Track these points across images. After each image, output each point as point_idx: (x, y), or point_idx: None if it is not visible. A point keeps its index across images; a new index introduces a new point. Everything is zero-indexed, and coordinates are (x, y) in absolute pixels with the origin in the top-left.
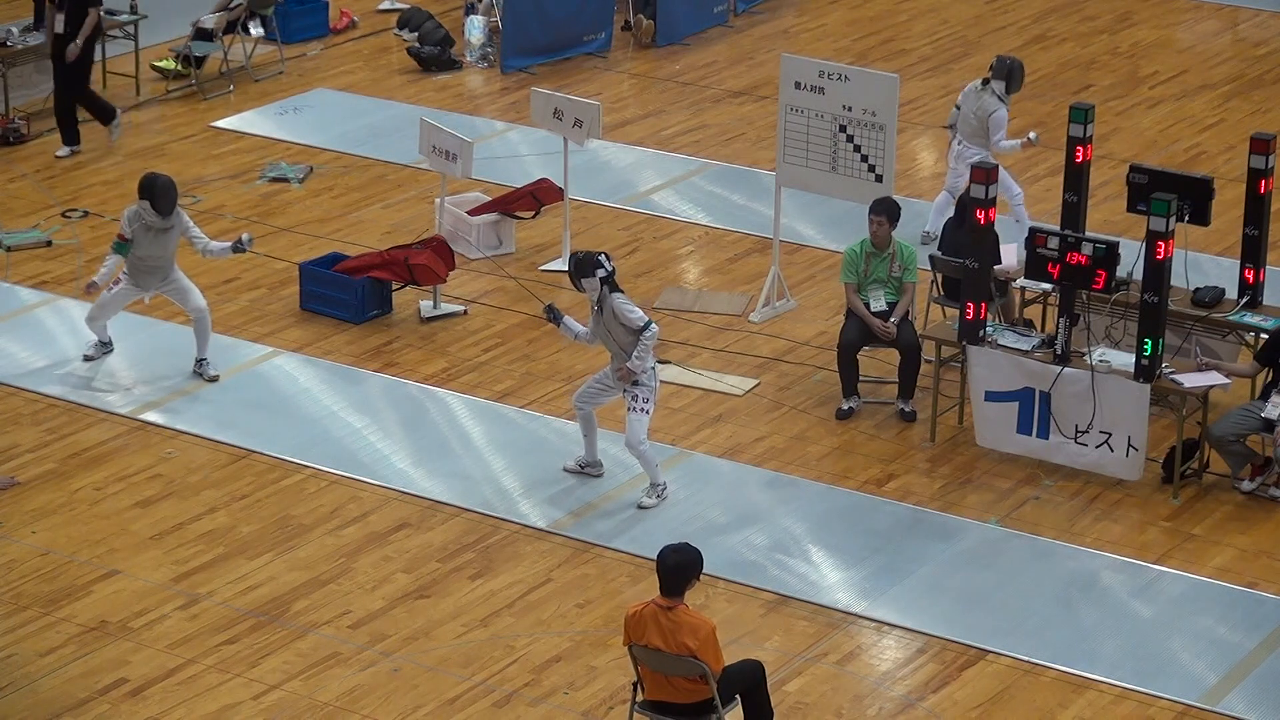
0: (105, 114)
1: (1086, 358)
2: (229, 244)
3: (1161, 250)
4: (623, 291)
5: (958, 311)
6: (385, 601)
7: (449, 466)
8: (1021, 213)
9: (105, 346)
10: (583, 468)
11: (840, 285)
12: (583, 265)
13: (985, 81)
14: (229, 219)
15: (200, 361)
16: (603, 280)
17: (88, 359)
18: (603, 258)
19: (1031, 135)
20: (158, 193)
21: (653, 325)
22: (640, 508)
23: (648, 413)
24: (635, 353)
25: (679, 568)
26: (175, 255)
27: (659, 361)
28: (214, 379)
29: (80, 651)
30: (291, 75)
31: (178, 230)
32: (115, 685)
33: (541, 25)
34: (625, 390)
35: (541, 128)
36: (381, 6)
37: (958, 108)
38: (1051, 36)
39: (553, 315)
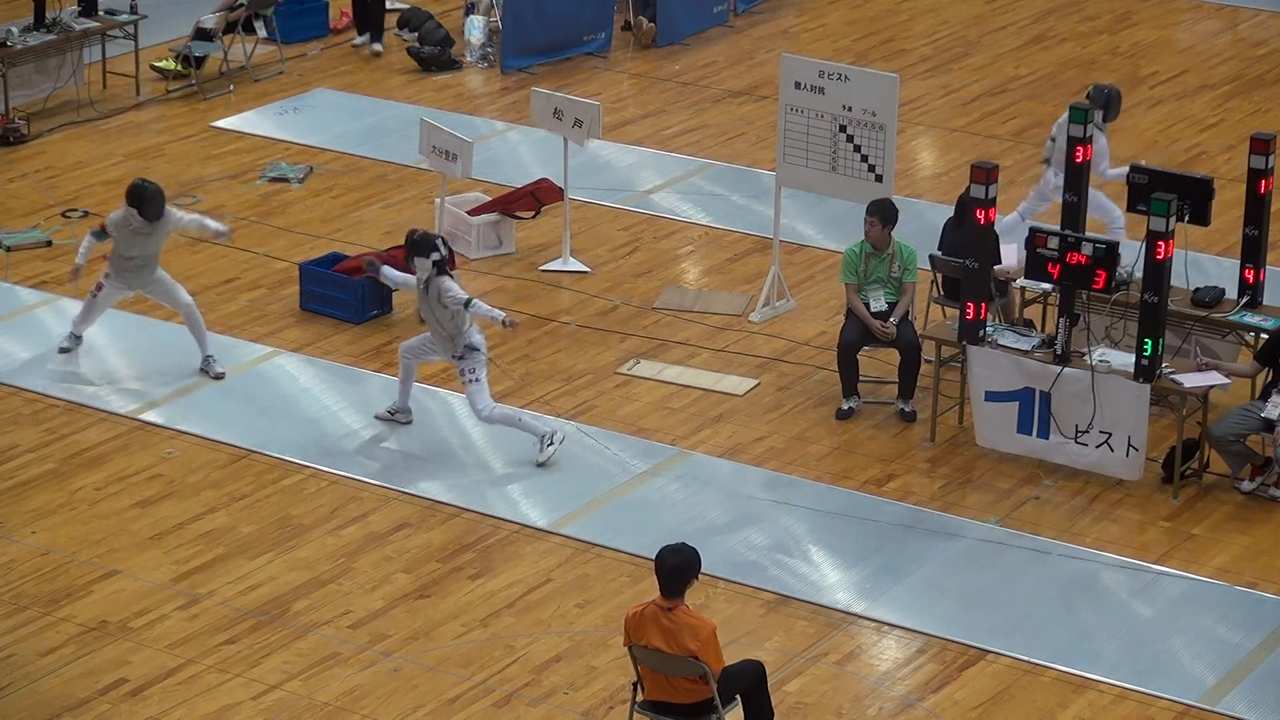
0: None
1: (1086, 358)
2: (220, 226)
3: (1161, 250)
4: (452, 276)
5: (958, 311)
6: (385, 601)
7: (449, 466)
8: (1121, 237)
9: (78, 340)
10: (392, 414)
11: (840, 285)
12: (419, 245)
13: None
14: (229, 219)
15: (207, 359)
16: (434, 264)
17: (63, 351)
18: (439, 242)
19: (1142, 164)
20: (145, 200)
21: (474, 301)
22: (539, 465)
23: (480, 380)
24: (465, 328)
25: (678, 569)
26: (159, 255)
27: (508, 322)
28: (220, 376)
29: (80, 651)
30: (291, 75)
31: (164, 231)
32: (115, 685)
33: (541, 25)
34: (457, 364)
35: (541, 128)
36: None
37: (1053, 139)
38: (1051, 36)
39: (372, 268)
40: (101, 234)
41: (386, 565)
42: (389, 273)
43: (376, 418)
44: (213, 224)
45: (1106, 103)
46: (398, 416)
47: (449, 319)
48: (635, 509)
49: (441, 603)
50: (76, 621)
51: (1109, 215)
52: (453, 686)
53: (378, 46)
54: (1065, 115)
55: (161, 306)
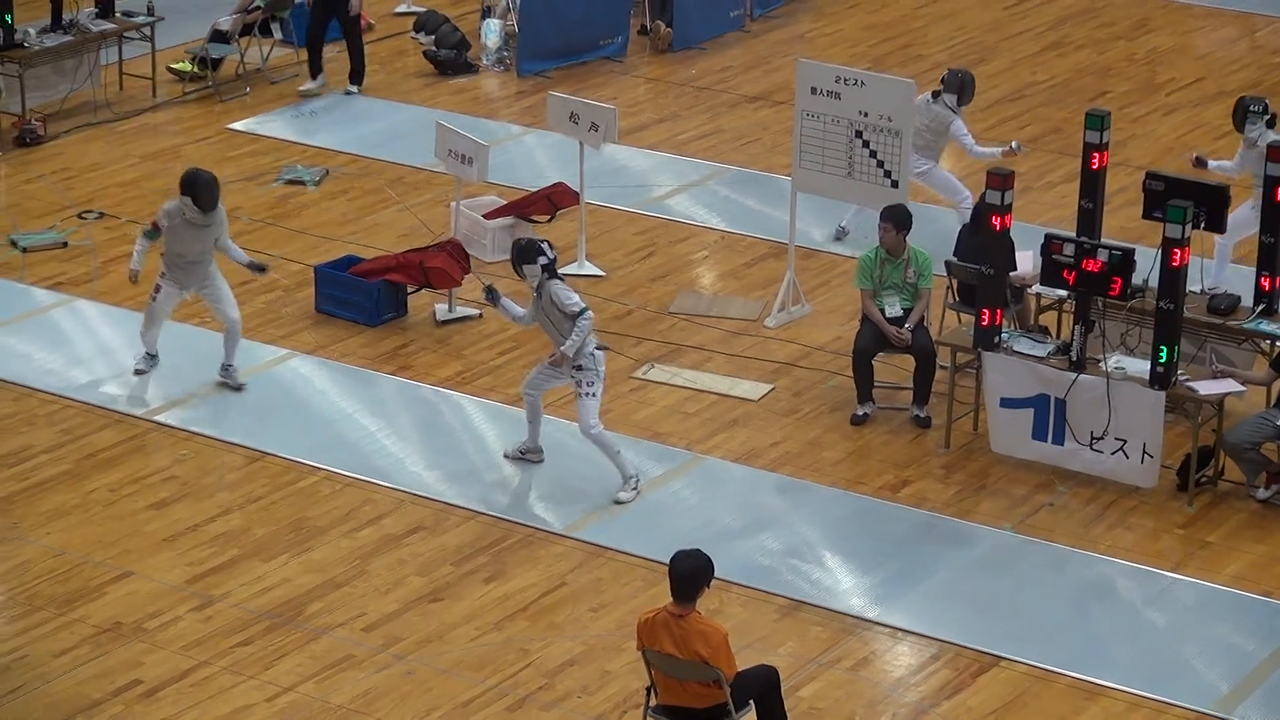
0: None
1: (1102, 364)
2: (250, 260)
3: (1177, 257)
4: (562, 279)
5: (973, 317)
6: (399, 604)
7: (463, 469)
8: (966, 215)
9: (154, 360)
10: (524, 454)
11: (855, 290)
12: (525, 252)
13: (936, 94)
14: (245, 221)
15: (227, 368)
16: (544, 267)
17: (139, 373)
18: (545, 245)
19: (1014, 144)
20: (200, 188)
21: (588, 312)
22: (617, 503)
23: (595, 396)
24: (570, 338)
25: (691, 574)
26: (213, 254)
27: (599, 347)
28: (240, 387)
29: (94, 653)
30: (307, 78)
31: (216, 229)
32: (129, 686)
33: (557, 29)
34: (571, 376)
35: (557, 131)
36: (398, 10)
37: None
38: (1068, 43)
39: (491, 296)
40: (154, 232)
41: (401, 568)
42: (506, 304)
43: (506, 456)
44: (244, 255)
45: (961, 87)
46: (529, 456)
47: (566, 323)
48: (650, 513)
49: (455, 606)
50: (91, 623)
51: (958, 195)
52: (466, 690)
53: (354, 88)
54: (920, 98)
55: (177, 309)
